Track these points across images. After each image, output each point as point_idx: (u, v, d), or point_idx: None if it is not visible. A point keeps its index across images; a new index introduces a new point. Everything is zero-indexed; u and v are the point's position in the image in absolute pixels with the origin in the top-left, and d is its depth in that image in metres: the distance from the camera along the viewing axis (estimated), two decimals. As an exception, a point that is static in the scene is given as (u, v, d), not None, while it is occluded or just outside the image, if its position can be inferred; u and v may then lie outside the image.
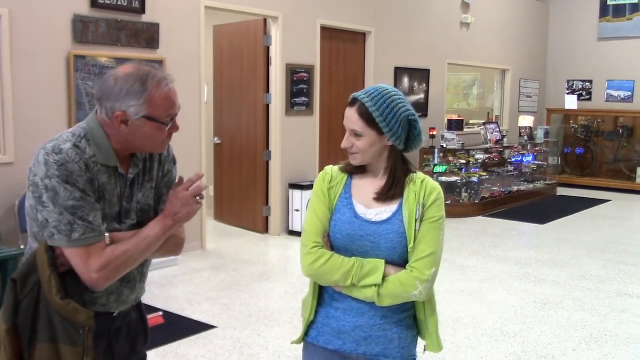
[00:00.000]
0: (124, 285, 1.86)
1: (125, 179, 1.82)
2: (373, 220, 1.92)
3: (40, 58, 4.99)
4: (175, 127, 1.81)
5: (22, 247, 4.63)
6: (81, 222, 1.66)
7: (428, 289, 1.89)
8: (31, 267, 1.68)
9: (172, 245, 1.89)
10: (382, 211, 1.93)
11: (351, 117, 1.90)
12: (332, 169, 2.04)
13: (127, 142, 1.78)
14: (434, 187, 1.96)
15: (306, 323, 2.05)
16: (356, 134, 1.90)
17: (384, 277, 1.87)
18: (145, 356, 2.07)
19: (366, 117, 1.88)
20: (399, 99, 1.91)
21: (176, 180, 1.93)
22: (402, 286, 1.86)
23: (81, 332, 1.66)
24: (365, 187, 1.98)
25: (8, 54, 4.78)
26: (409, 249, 1.90)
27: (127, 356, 1.96)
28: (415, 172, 1.99)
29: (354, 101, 1.92)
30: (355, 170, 2.01)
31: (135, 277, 1.90)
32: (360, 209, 1.95)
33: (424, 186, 1.94)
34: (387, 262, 1.90)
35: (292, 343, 2.16)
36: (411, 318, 2.03)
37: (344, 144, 1.94)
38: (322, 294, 2.03)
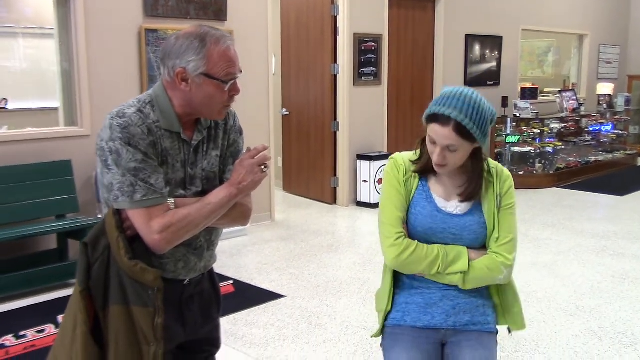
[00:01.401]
0: (191, 252, 1.87)
1: (189, 146, 1.84)
2: (455, 213, 1.96)
3: (113, 33, 5.11)
4: (236, 89, 1.81)
5: (99, 216, 4.81)
6: (143, 184, 1.70)
7: (510, 273, 1.97)
8: (101, 231, 1.73)
9: (238, 214, 1.89)
10: (462, 203, 1.97)
11: (447, 136, 1.83)
12: (404, 161, 2.01)
13: (189, 104, 1.79)
14: (506, 175, 2.00)
15: (384, 315, 2.05)
16: (450, 149, 1.86)
17: (469, 263, 1.93)
18: (218, 324, 2.09)
19: (464, 134, 1.83)
20: (482, 101, 1.86)
21: (244, 151, 1.93)
22: (490, 272, 1.93)
23: (151, 293, 1.69)
24: (443, 181, 1.99)
25: (83, 29, 4.91)
26: (489, 238, 1.95)
27: (201, 325, 1.98)
28: (485, 160, 1.98)
29: (447, 120, 1.83)
30: (427, 172, 2.00)
31: (203, 245, 1.91)
32: (440, 202, 1.97)
33: (498, 176, 1.98)
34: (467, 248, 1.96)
35: (372, 337, 2.16)
36: (488, 288, 2.07)
37: (438, 160, 1.87)
38: (400, 280, 2.06)
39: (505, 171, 2.01)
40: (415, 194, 1.98)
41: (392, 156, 2.04)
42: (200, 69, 1.73)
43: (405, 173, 1.99)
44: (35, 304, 4.22)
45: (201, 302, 1.98)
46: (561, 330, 3.84)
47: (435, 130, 1.86)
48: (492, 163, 2.00)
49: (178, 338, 1.91)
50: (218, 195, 1.80)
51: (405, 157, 2.02)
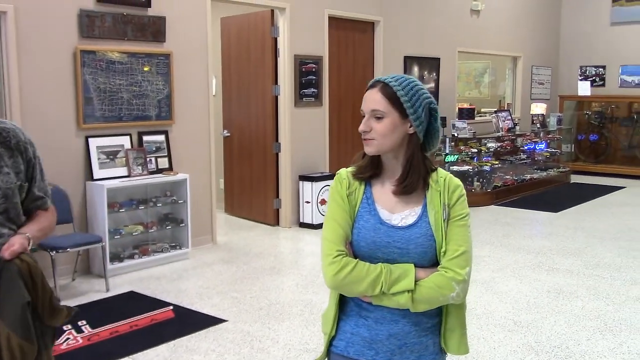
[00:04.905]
0: None
1: None
2: (399, 225, 1.81)
3: (46, 54, 4.98)
4: None
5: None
6: None
7: (465, 290, 1.81)
8: None
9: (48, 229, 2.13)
10: (407, 215, 1.82)
11: (373, 98, 1.77)
12: (347, 174, 1.90)
13: None
14: (456, 185, 1.85)
15: (328, 339, 1.92)
16: (377, 117, 1.78)
17: (416, 282, 1.76)
18: None
19: (390, 96, 1.75)
20: (420, 85, 1.82)
21: (37, 161, 2.13)
22: (439, 289, 1.76)
23: None
24: (386, 192, 1.86)
25: (15, 50, 4.77)
26: (439, 252, 1.80)
27: None
28: (435, 169, 1.87)
29: (375, 83, 1.80)
30: (371, 176, 1.88)
31: None
32: (384, 214, 1.83)
33: (446, 185, 1.83)
34: (416, 266, 1.79)
35: None
36: (441, 323, 1.92)
37: (362, 127, 1.79)
38: (348, 304, 1.89)
39: (455, 181, 1.85)
40: (360, 208, 1.83)
41: (337, 172, 1.93)
42: None
43: (349, 187, 1.86)
44: None
45: None
46: (500, 346, 3.91)
47: (364, 98, 1.80)
48: (442, 173, 1.87)
49: None
50: None
51: (349, 171, 1.90)
